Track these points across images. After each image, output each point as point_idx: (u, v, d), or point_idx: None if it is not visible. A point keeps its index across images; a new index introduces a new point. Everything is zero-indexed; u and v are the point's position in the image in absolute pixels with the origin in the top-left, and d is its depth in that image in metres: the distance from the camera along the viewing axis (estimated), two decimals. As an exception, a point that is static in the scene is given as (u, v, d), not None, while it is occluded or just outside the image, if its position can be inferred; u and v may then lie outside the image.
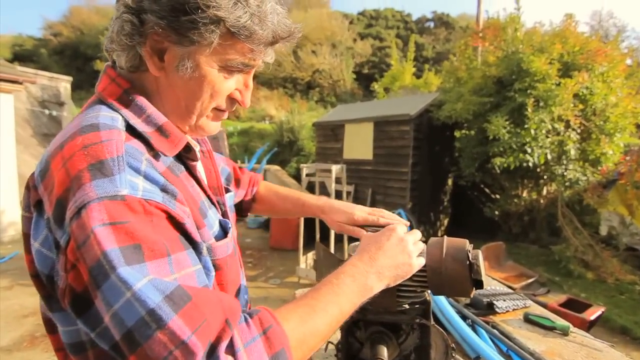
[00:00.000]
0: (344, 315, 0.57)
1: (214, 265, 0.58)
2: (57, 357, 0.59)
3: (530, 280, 3.68)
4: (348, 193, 6.61)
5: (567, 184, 4.88)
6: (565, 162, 4.87)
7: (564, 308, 3.16)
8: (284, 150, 10.16)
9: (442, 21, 30.50)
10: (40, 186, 0.50)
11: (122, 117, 0.54)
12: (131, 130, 0.54)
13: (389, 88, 10.25)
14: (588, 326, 3.02)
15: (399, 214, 4.73)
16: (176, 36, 0.52)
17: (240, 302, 0.72)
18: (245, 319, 0.48)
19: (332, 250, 4.37)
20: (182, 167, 0.61)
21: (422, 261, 0.69)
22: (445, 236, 0.75)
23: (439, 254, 0.71)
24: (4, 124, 5.98)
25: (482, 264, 0.71)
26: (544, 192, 5.71)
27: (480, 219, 6.58)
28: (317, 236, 5.08)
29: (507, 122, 4.74)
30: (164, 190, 0.51)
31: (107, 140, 0.48)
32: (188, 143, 0.59)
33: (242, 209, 1.01)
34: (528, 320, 1.30)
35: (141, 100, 0.56)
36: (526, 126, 4.61)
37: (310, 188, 6.63)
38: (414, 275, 0.70)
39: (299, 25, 0.59)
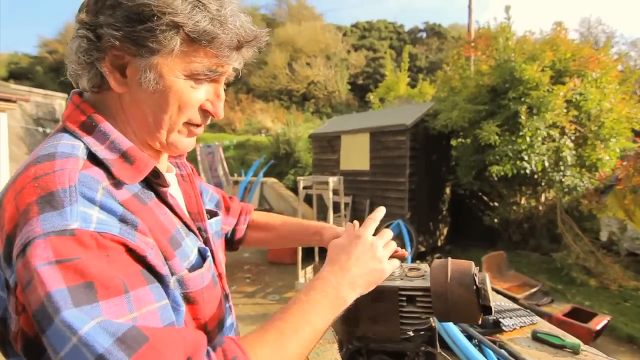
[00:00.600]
0: (317, 333, 0.55)
1: (187, 299, 0.54)
2: None
3: (533, 290, 3.62)
4: (346, 204, 6.57)
5: (565, 190, 4.87)
6: (562, 168, 4.86)
7: (569, 318, 3.10)
8: (280, 163, 10.13)
9: (434, 31, 30.97)
10: None
11: (84, 144, 0.51)
12: (93, 157, 0.50)
13: (384, 98, 10.32)
14: (594, 336, 2.96)
15: (398, 225, 4.68)
16: (135, 47, 0.49)
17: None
18: (208, 353, 0.44)
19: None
20: (152, 195, 0.56)
21: (395, 263, 0.70)
22: (449, 258, 0.71)
23: (443, 278, 0.67)
24: (-3, 142, 5.93)
25: (489, 288, 0.67)
26: (542, 198, 5.70)
27: (479, 227, 6.54)
28: (316, 250, 5.02)
29: (501, 130, 4.75)
30: (122, 220, 0.47)
31: (59, 170, 0.45)
32: (156, 168, 0.55)
33: (233, 241, 0.95)
34: (536, 338, 1.24)
35: (105, 125, 0.53)
36: (521, 133, 4.62)
37: (308, 200, 6.58)
38: (417, 301, 0.68)
39: (264, 30, 0.57)
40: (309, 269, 4.57)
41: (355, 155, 6.48)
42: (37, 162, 0.47)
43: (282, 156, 10.21)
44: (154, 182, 0.56)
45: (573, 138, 4.98)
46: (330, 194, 4.22)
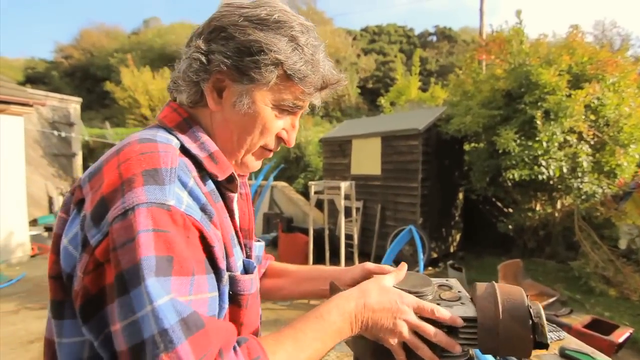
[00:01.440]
0: (322, 353, 0.56)
1: (234, 300, 0.58)
2: None
3: (551, 300, 3.52)
4: (357, 209, 6.52)
5: (583, 197, 4.75)
6: (580, 174, 4.75)
7: (589, 330, 3.00)
8: (290, 167, 10.13)
9: (445, 35, 30.82)
10: (87, 186, 0.51)
11: (178, 139, 0.58)
12: (184, 151, 0.57)
13: (395, 102, 10.25)
14: (616, 349, 2.86)
15: (410, 231, 4.57)
16: (238, 74, 0.57)
17: None
18: (234, 348, 0.47)
19: (342, 265, 4.24)
20: (219, 198, 0.61)
21: (405, 335, 0.59)
22: (494, 283, 0.64)
23: (493, 310, 0.59)
24: (15, 145, 6.05)
25: (545, 321, 0.60)
26: (559, 205, 5.57)
27: (493, 234, 6.42)
28: (327, 255, 4.99)
29: (518, 135, 4.66)
30: (203, 209, 0.53)
31: (164, 152, 0.52)
32: (233, 173, 0.61)
33: None
34: (565, 355, 1.19)
35: (197, 128, 0.61)
36: (537, 139, 4.52)
37: (319, 205, 6.55)
38: (460, 333, 0.61)
39: (344, 76, 0.66)
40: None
41: (367, 159, 6.43)
42: (141, 142, 0.53)
43: (292, 160, 10.22)
44: (224, 187, 0.62)
45: (592, 143, 4.86)
46: (342, 199, 4.19)
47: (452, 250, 6.40)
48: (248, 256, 0.70)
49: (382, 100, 10.15)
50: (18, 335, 3.56)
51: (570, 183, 4.72)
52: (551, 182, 5.06)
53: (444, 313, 0.59)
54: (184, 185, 0.51)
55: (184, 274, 0.45)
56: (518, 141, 4.63)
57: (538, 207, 5.68)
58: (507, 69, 5.27)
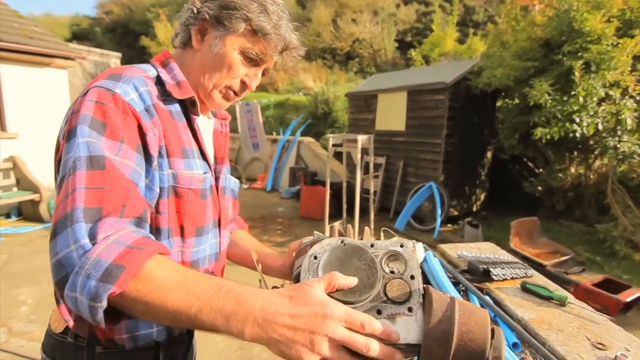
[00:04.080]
0: (192, 318, 0.49)
1: (175, 192, 0.72)
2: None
3: (564, 258, 3.46)
4: (379, 165, 6.52)
5: (619, 157, 4.42)
6: (619, 133, 4.39)
7: (598, 288, 2.97)
8: (318, 123, 10.11)
9: (497, -20, 27.74)
10: None
11: (157, 72, 0.77)
12: (159, 81, 0.75)
13: (428, 56, 9.64)
14: (623, 308, 2.83)
15: (430, 187, 4.59)
16: (216, 23, 0.75)
17: (201, 258, 0.81)
18: (135, 229, 0.56)
19: (356, 223, 4.37)
20: (184, 120, 0.78)
21: (325, 353, 0.48)
22: (455, 301, 0.51)
23: (441, 351, 0.48)
24: (61, 96, 6.51)
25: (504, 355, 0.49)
26: (595, 165, 5.24)
27: (521, 195, 6.22)
28: (344, 207, 5.12)
29: (553, 89, 4.33)
30: (146, 109, 0.69)
31: (132, 68, 0.72)
32: (194, 98, 0.77)
33: None
34: (525, 289, 1.25)
35: (173, 65, 0.79)
36: (574, 93, 4.19)
37: (338, 158, 6.60)
38: (399, 347, 0.51)
39: (303, 47, 0.83)
40: (337, 224, 4.69)
41: (392, 115, 6.30)
42: (125, 65, 0.75)
43: (320, 116, 10.17)
44: (190, 110, 0.78)
45: (638, 99, 4.43)
46: (359, 152, 4.21)
47: (474, 209, 6.31)
48: (217, 176, 0.86)
49: (413, 53, 9.54)
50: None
51: (607, 142, 4.39)
52: (590, 142, 4.73)
53: (376, 327, 0.49)
54: (136, 88, 0.69)
55: (114, 139, 0.61)
56: (552, 95, 4.32)
57: (571, 168, 5.38)
58: (550, 15, 4.79)
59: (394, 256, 0.60)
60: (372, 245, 0.62)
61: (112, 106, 0.63)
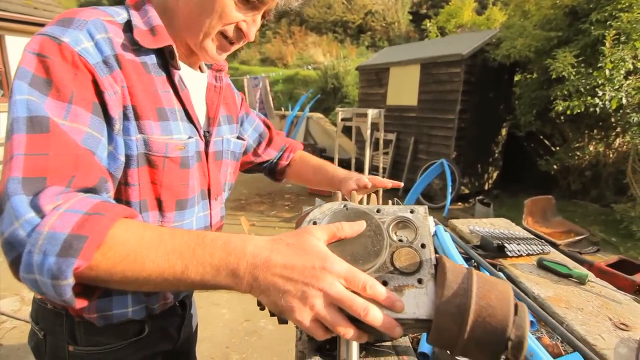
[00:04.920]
0: (178, 277, 0.44)
1: (148, 160, 0.61)
2: None
3: (578, 238, 3.36)
4: (389, 141, 6.38)
5: (643, 134, 4.21)
6: (646, 108, 4.16)
7: (612, 269, 2.87)
8: (327, 98, 9.91)
9: (520, -53, 26.14)
10: None
11: (128, 15, 0.63)
12: (129, 26, 0.62)
13: (444, 27, 9.20)
14: (638, 289, 2.74)
15: (441, 164, 4.45)
16: None
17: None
18: (91, 195, 0.48)
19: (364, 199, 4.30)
20: (163, 73, 0.65)
21: (318, 309, 0.43)
22: (473, 273, 0.45)
23: (456, 327, 0.42)
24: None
25: (526, 340, 0.41)
26: (616, 144, 5.02)
27: (535, 174, 6.05)
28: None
29: (577, 60, 4.08)
30: (104, 61, 0.56)
31: (88, 11, 0.58)
32: (171, 47, 0.64)
33: (275, 172, 1.11)
34: (542, 266, 1.18)
35: (148, 7, 0.65)
36: (600, 65, 3.94)
37: (347, 134, 6.46)
38: (403, 322, 0.45)
39: None
40: (339, 193, 4.65)
41: (404, 89, 6.09)
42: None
43: (330, 91, 9.95)
44: (170, 64, 0.65)
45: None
46: (369, 127, 4.08)
47: (486, 187, 6.18)
48: (207, 141, 0.74)
49: (428, 24, 9.07)
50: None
51: (630, 118, 4.17)
52: (612, 119, 4.50)
53: (379, 291, 0.44)
54: (91, 36, 0.55)
55: (60, 99, 0.50)
56: (576, 67, 4.08)
57: (590, 146, 5.17)
58: (577, -20, 4.46)
59: (402, 223, 0.54)
60: (378, 211, 0.55)
61: (57, 59, 0.51)
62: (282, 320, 0.50)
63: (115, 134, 0.57)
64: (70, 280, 0.41)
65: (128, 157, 0.59)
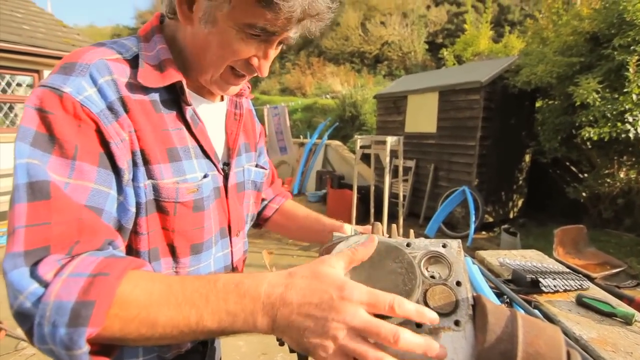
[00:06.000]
0: (193, 328, 0.42)
1: (162, 208, 0.58)
2: None
3: (615, 270, 3.15)
4: (408, 168, 6.31)
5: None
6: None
7: (657, 304, 2.65)
8: (346, 126, 10.02)
9: (534, -22, 26.60)
10: None
11: (137, 48, 0.60)
12: (136, 60, 0.59)
13: (460, 56, 9.27)
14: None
15: (463, 192, 4.32)
16: None
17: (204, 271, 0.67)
18: (94, 253, 0.45)
19: (384, 228, 4.20)
20: (174, 110, 0.62)
21: (341, 342, 0.39)
22: (517, 314, 0.41)
23: None
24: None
25: None
26: (649, 171, 4.79)
27: (562, 202, 5.81)
28: (372, 211, 4.98)
29: (601, 86, 4.00)
30: (109, 107, 0.53)
31: (91, 52, 0.55)
32: (180, 83, 0.60)
33: (260, 217, 0.98)
34: (582, 303, 1.09)
35: (158, 37, 0.62)
36: (626, 90, 3.84)
37: (365, 161, 6.45)
38: None
39: (332, 5, 0.57)
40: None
41: (422, 116, 6.09)
42: (94, 44, 0.58)
43: (348, 119, 10.08)
44: (181, 99, 0.62)
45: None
46: (388, 155, 4.06)
47: (511, 215, 5.96)
48: (226, 175, 0.70)
49: (445, 53, 9.14)
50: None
51: (663, 143, 4.00)
52: (641, 144, 4.32)
53: (409, 309, 0.40)
54: (94, 81, 0.52)
55: (64, 156, 0.48)
56: (600, 93, 3.99)
57: (621, 173, 4.96)
58: (596, 7, 4.45)
59: (434, 258, 0.51)
60: (408, 245, 0.52)
61: (59, 113, 0.48)
62: (302, 357, 0.48)
63: (124, 185, 0.54)
64: (85, 349, 0.40)
65: (137, 205, 0.56)
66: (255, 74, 0.64)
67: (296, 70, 20.14)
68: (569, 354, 0.39)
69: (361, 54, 21.00)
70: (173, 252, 0.61)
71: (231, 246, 0.73)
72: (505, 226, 4.85)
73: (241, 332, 0.43)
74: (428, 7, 23.73)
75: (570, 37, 4.52)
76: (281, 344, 0.67)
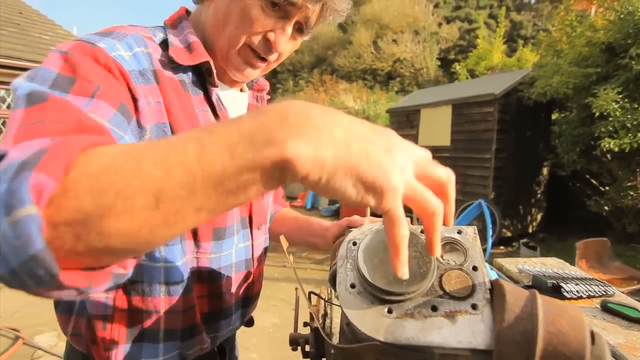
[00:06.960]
0: (194, 168, 0.27)
1: None
2: None
3: (643, 285, 3.01)
4: (422, 182, 6.26)
5: None
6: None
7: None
8: (359, 141, 10.02)
9: (546, -6, 26.69)
10: None
11: (164, 34, 0.62)
12: (166, 44, 0.60)
13: (473, 70, 9.26)
14: None
15: (479, 205, 4.24)
16: None
17: (225, 266, 0.65)
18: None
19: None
20: (201, 92, 0.62)
21: (411, 180, 0.31)
22: (536, 294, 0.39)
23: (522, 357, 0.36)
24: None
25: None
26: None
27: (583, 215, 5.63)
28: (386, 224, 4.91)
29: (621, 96, 3.93)
30: (141, 73, 0.53)
31: (126, 27, 0.56)
32: (209, 64, 0.61)
33: None
34: (607, 309, 1.04)
35: (185, 24, 0.64)
36: (646, 100, 3.77)
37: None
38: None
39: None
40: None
41: (436, 130, 6.08)
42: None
43: (361, 134, 10.08)
44: (207, 81, 0.63)
45: None
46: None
47: (530, 230, 5.80)
48: None
49: (458, 67, 9.12)
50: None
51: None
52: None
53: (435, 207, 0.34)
54: (130, 47, 0.53)
55: (82, 94, 0.42)
56: (620, 103, 3.91)
57: (645, 185, 4.79)
58: (612, 19, 4.42)
59: (450, 245, 0.49)
60: (422, 232, 0.51)
61: (88, 60, 0.45)
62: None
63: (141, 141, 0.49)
64: (30, 209, 0.24)
65: None
66: (272, 58, 0.64)
67: (309, 88, 20.47)
68: (592, 334, 0.37)
69: (373, 71, 21.24)
70: (195, 234, 0.59)
71: (252, 239, 0.72)
72: (525, 240, 4.72)
73: (264, 185, 0.29)
74: (440, 24, 24.00)
75: (585, 48, 4.49)
76: (294, 349, 0.64)
